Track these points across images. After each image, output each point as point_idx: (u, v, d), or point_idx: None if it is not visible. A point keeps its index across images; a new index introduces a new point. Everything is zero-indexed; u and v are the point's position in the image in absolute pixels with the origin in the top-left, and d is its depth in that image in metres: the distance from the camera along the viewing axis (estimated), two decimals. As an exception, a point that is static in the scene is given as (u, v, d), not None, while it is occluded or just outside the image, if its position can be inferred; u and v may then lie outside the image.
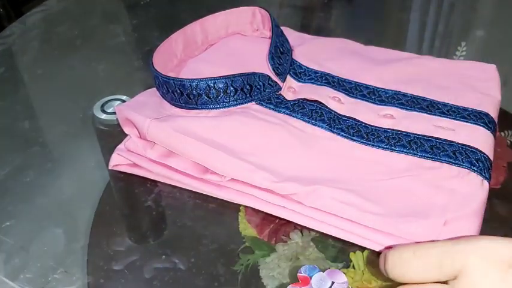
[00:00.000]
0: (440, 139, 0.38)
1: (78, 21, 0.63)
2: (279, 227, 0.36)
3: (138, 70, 0.54)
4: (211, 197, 0.37)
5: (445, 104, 0.41)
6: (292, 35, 0.49)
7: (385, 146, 0.38)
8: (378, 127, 0.39)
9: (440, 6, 0.62)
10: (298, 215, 0.35)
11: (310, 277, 0.29)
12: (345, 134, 0.39)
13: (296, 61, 0.46)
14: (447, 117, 0.40)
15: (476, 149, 0.36)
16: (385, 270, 0.29)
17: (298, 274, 0.29)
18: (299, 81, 0.44)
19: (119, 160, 0.39)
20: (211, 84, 0.39)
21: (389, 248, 0.29)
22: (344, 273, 0.32)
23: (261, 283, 0.32)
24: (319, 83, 0.44)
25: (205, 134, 0.37)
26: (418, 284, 0.27)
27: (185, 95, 0.39)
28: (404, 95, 0.42)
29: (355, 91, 0.43)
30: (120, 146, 0.40)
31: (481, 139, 0.38)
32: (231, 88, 0.39)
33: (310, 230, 0.35)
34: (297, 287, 0.28)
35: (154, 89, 0.42)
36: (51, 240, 0.36)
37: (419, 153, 0.37)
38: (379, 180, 0.35)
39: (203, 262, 0.33)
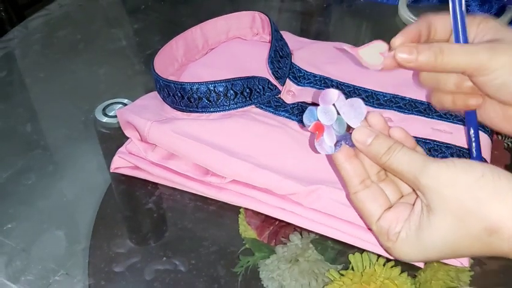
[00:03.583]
0: (438, 142, 0.38)
1: (80, 25, 0.63)
2: (278, 229, 0.36)
3: (139, 74, 0.54)
4: (212, 199, 0.38)
5: (443, 107, 0.41)
6: (291, 39, 0.50)
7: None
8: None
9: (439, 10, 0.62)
10: (298, 217, 0.35)
11: (318, 120, 0.30)
12: (343, 137, 0.39)
13: (295, 65, 0.46)
14: (445, 120, 0.40)
15: (473, 151, 0.37)
16: None
17: (310, 129, 0.30)
18: (298, 84, 0.44)
19: (120, 163, 0.40)
20: (212, 88, 0.39)
21: None
22: (342, 275, 0.32)
23: (260, 285, 0.32)
24: (318, 86, 0.44)
25: (205, 136, 0.37)
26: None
27: (186, 98, 0.40)
28: (403, 98, 0.42)
29: (354, 95, 0.43)
30: (122, 149, 0.40)
31: (478, 142, 0.38)
32: (231, 91, 0.40)
33: (309, 232, 0.35)
34: (319, 139, 0.30)
35: (155, 92, 0.43)
36: (53, 242, 0.36)
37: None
38: (378, 183, 0.35)
39: (203, 264, 0.34)
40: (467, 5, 0.60)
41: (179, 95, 0.40)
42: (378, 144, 0.29)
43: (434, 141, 0.38)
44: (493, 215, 0.26)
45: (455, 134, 0.39)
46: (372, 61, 0.31)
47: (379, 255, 0.33)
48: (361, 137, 0.30)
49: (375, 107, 0.42)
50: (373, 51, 0.31)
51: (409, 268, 0.33)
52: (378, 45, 0.31)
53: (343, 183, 0.32)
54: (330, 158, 0.35)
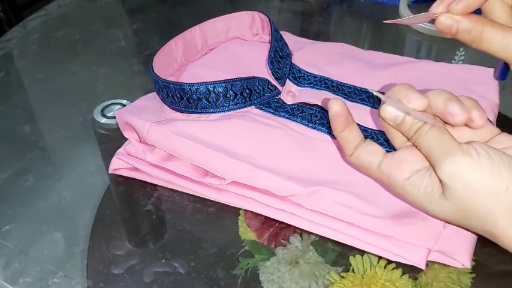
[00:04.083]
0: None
1: (79, 25, 0.63)
2: (278, 231, 0.36)
3: (138, 74, 0.54)
4: (211, 201, 0.37)
5: (443, 108, 0.41)
6: (291, 40, 0.50)
7: (385, 149, 0.38)
8: (378, 130, 0.39)
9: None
10: (298, 218, 0.35)
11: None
12: (344, 138, 0.39)
13: (295, 65, 0.46)
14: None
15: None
16: None
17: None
18: (298, 85, 0.44)
19: (119, 164, 0.40)
20: (211, 89, 0.39)
21: None
22: (343, 277, 0.32)
23: (260, 287, 0.32)
24: (318, 87, 0.44)
25: (205, 137, 0.37)
26: None
27: (185, 99, 0.40)
28: (404, 99, 0.42)
29: (354, 95, 0.43)
30: (120, 150, 0.40)
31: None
32: (231, 92, 0.40)
33: (309, 233, 0.35)
34: None
35: (154, 93, 0.43)
36: (51, 244, 0.36)
37: (418, 157, 0.37)
38: (379, 184, 0.35)
39: (203, 266, 0.33)
40: None
41: (178, 95, 0.40)
42: (406, 125, 0.29)
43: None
44: (500, 229, 0.26)
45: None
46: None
47: (380, 257, 0.33)
48: (392, 114, 0.29)
49: (376, 108, 0.42)
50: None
51: (410, 270, 0.32)
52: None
53: (339, 146, 0.34)
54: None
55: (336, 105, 0.31)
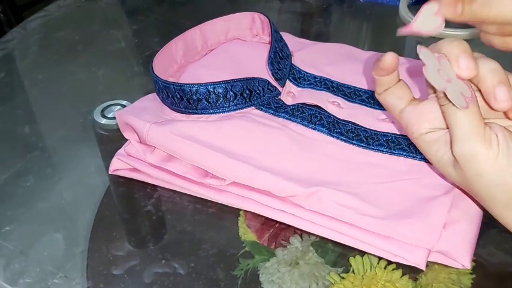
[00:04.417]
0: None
1: (79, 26, 0.63)
2: (278, 232, 0.36)
3: (138, 75, 0.54)
4: (211, 201, 0.37)
5: (443, 109, 0.41)
6: (291, 41, 0.50)
7: (385, 150, 0.38)
8: (377, 131, 0.39)
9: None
10: (298, 219, 0.35)
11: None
12: (344, 138, 0.39)
13: (295, 66, 0.46)
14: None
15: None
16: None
17: None
18: (298, 86, 0.44)
19: (119, 165, 0.40)
20: (211, 89, 0.39)
21: None
22: (343, 278, 0.32)
23: (260, 288, 0.32)
24: (318, 87, 0.44)
25: (205, 137, 0.37)
26: None
27: (185, 99, 0.40)
28: (403, 99, 0.42)
29: (354, 96, 0.43)
30: (120, 151, 0.40)
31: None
32: (231, 93, 0.40)
33: (309, 234, 0.35)
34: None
35: (154, 94, 0.43)
36: (51, 245, 0.36)
37: (419, 156, 0.37)
38: (379, 183, 0.35)
39: (203, 267, 0.33)
40: None
41: (178, 96, 0.40)
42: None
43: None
44: (497, 212, 0.28)
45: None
46: (430, 27, 0.30)
47: (380, 258, 0.33)
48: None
49: (375, 108, 0.42)
50: (427, 17, 0.30)
51: (410, 271, 0.32)
52: (429, 9, 0.30)
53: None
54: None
55: (390, 58, 0.30)
